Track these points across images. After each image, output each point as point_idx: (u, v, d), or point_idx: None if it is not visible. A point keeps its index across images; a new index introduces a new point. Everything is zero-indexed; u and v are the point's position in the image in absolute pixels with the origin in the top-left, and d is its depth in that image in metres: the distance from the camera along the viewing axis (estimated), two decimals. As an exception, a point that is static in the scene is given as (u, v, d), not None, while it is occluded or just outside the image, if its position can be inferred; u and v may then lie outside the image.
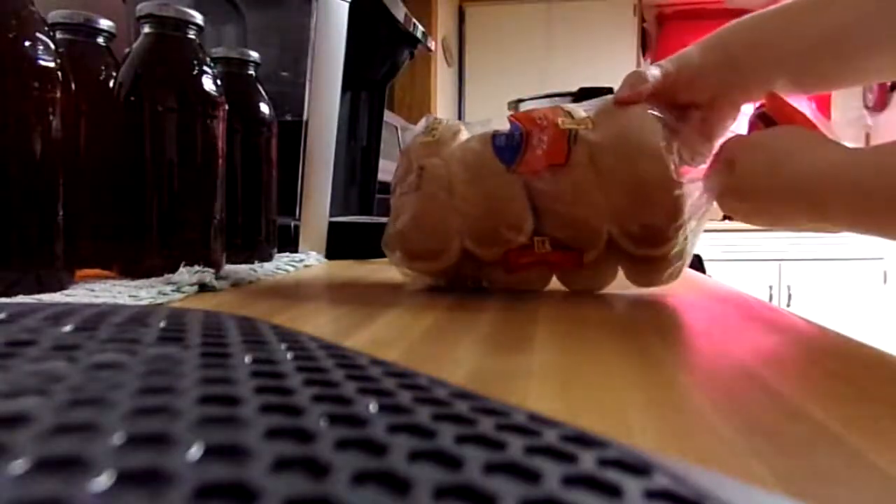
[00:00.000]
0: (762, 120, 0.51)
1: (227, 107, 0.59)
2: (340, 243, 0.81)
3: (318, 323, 0.41)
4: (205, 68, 0.57)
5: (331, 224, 0.81)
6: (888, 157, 0.42)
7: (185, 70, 0.56)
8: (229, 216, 0.61)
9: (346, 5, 0.80)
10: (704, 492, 0.09)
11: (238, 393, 0.10)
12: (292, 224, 0.78)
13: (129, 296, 0.45)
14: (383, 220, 0.88)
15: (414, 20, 1.00)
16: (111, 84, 0.56)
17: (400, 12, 0.95)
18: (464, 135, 0.54)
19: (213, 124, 0.57)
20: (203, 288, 0.50)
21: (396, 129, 1.57)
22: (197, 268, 0.52)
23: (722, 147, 0.50)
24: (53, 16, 0.56)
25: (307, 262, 0.72)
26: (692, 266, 0.63)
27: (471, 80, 3.40)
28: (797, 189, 0.44)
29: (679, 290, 0.54)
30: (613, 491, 0.09)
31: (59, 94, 0.45)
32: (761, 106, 0.52)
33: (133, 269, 0.54)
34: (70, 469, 0.07)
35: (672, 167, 0.48)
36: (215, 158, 0.58)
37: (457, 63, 3.32)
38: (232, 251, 0.63)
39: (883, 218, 0.41)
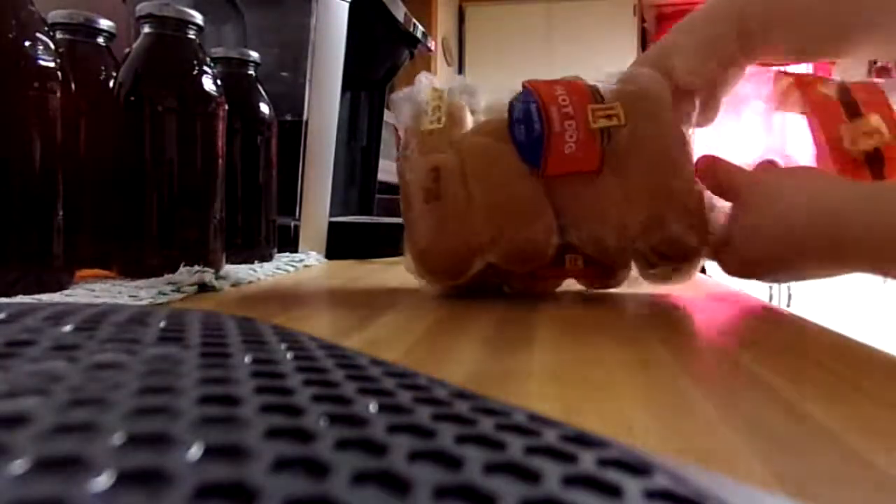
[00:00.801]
0: (846, 108, 0.47)
1: (227, 107, 0.59)
2: (340, 243, 0.81)
3: (317, 323, 0.41)
4: (205, 68, 0.57)
5: (331, 224, 0.81)
6: None
7: (185, 70, 0.56)
8: (229, 216, 0.61)
9: (346, 5, 0.80)
10: (704, 492, 0.09)
11: (238, 393, 0.10)
12: (292, 224, 0.78)
13: (129, 296, 0.45)
14: (383, 220, 0.88)
15: (414, 20, 1.00)
16: (111, 84, 0.56)
17: (400, 12, 0.95)
18: (468, 116, 0.50)
19: (213, 124, 0.57)
20: (203, 288, 0.50)
21: (396, 129, 1.57)
22: (197, 268, 0.52)
23: (727, 184, 0.47)
24: (53, 16, 0.56)
25: (307, 262, 0.72)
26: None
27: (471, 79, 3.39)
28: (814, 232, 0.42)
29: (679, 289, 0.54)
30: (613, 491, 0.09)
31: (59, 94, 0.45)
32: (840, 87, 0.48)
33: (133, 269, 0.54)
34: (70, 469, 0.07)
35: (699, 184, 0.46)
36: (215, 158, 0.58)
37: (457, 63, 3.32)
38: (232, 251, 0.63)
39: None
